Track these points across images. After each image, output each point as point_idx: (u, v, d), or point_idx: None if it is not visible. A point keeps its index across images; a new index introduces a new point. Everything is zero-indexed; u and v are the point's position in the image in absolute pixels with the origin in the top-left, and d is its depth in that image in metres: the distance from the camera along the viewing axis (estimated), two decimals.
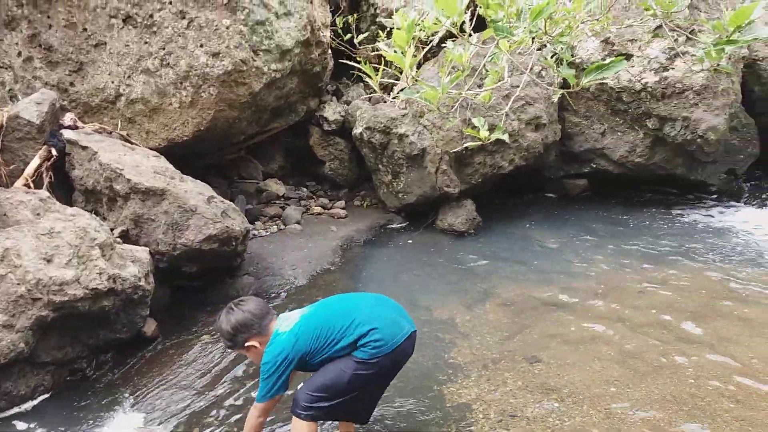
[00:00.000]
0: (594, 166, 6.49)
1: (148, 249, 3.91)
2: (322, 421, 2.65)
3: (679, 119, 5.79)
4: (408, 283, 4.69)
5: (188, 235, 3.99)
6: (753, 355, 3.41)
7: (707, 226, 5.83)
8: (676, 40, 5.23)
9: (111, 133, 4.93)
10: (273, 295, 4.50)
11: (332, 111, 6.52)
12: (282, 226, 5.74)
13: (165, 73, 5.05)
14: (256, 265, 4.93)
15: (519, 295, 4.37)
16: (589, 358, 3.47)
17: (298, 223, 5.77)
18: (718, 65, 3.14)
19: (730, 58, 5.74)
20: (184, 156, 5.13)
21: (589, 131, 6.35)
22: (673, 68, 5.74)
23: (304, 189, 6.64)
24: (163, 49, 5.00)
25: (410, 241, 5.58)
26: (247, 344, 2.53)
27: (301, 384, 2.49)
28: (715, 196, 6.61)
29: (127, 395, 3.28)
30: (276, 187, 6.36)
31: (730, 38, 2.63)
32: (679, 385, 3.17)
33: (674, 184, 6.58)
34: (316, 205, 6.29)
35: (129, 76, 5.12)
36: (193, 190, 4.25)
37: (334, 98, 6.83)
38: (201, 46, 5.00)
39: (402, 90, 4.03)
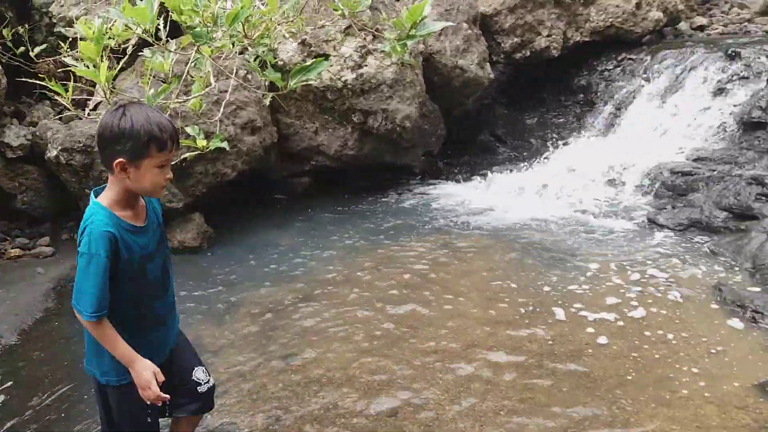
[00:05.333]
0: (314, 163, 6.75)
1: None
2: None
3: (379, 111, 6.35)
4: None
5: None
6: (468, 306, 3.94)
7: (418, 203, 6.55)
8: (365, 39, 5.69)
9: None
10: None
11: (15, 135, 5.60)
12: None
13: None
14: None
15: (267, 299, 4.33)
16: (342, 342, 3.62)
17: None
18: (404, 59, 3.51)
19: (411, 53, 6.47)
20: None
21: (303, 130, 6.57)
22: (367, 65, 6.25)
23: None
24: None
25: None
26: None
27: None
28: (419, 176, 7.46)
29: None
30: None
31: (410, 33, 2.97)
32: (417, 348, 3.51)
33: (386, 170, 7.22)
34: (13, 248, 5.34)
35: None
36: None
37: (15, 120, 5.88)
38: None
39: (99, 104, 3.62)
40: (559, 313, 3.89)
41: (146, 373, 1.99)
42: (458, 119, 7.79)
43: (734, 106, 6.15)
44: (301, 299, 4.29)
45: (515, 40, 8.03)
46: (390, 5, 6.49)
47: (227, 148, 5.21)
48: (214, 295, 4.47)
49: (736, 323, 3.67)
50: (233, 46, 3.18)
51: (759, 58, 6.40)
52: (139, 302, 2.10)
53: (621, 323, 3.74)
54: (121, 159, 1.90)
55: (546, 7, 7.98)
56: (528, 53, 8.11)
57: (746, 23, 9.18)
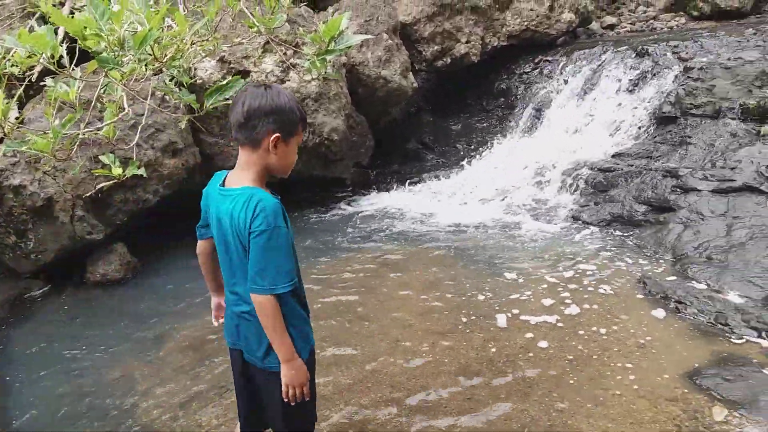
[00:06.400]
0: None
1: None
2: None
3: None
4: (69, 351, 4.03)
5: None
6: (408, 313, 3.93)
7: (350, 216, 6.50)
8: (285, 54, 5.61)
9: None
10: None
11: None
12: None
13: None
14: None
15: (195, 331, 4.16)
16: None
17: None
18: (325, 73, 3.46)
19: (333, 66, 6.43)
20: None
21: (228, 148, 6.40)
22: (289, 80, 6.17)
23: None
24: None
25: (60, 307, 4.82)
26: None
27: None
28: (350, 188, 7.42)
29: None
30: None
31: (328, 48, 2.92)
32: (356, 365, 3.46)
33: (317, 184, 7.14)
34: None
35: None
36: None
37: None
38: None
39: (1, 141, 3.39)
40: (500, 319, 3.92)
41: (305, 371, 2.00)
42: (386, 129, 7.82)
43: (646, 101, 6.44)
44: None
45: (435, 47, 8.14)
46: (309, 18, 6.44)
47: (144, 175, 5.03)
48: (141, 330, 4.25)
49: (660, 314, 3.82)
50: (145, 69, 3.05)
51: (665, 54, 6.74)
52: (300, 283, 2.05)
53: (556, 324, 3.81)
54: (278, 134, 1.90)
55: (463, 13, 8.14)
56: (449, 60, 8.24)
57: (652, 20, 9.68)
